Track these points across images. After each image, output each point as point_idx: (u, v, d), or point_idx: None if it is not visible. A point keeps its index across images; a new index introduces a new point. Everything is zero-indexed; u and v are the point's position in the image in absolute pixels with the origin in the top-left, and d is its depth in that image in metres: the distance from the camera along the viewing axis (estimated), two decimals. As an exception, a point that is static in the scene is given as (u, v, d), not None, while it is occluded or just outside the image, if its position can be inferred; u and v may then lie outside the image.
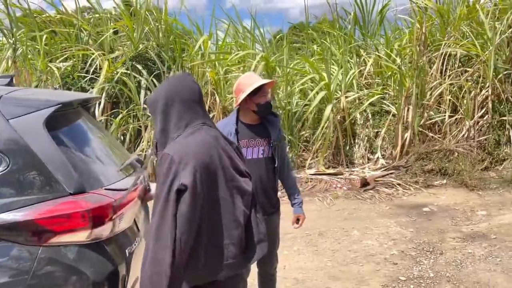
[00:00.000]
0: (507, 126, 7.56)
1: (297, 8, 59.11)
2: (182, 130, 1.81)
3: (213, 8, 22.33)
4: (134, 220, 2.29)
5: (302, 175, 7.42)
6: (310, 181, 7.20)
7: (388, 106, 8.28)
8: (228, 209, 1.80)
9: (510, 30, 7.88)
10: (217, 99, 7.95)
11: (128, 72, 7.70)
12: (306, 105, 8.36)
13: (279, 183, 2.91)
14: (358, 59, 9.36)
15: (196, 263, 1.72)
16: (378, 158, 7.86)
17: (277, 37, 11.23)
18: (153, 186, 2.42)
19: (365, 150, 8.05)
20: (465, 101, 7.72)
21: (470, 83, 7.73)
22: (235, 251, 1.80)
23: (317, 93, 7.84)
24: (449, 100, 7.80)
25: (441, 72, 8.24)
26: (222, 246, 1.78)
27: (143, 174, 2.44)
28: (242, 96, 2.63)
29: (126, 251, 2.06)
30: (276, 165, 2.77)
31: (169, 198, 1.67)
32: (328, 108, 7.63)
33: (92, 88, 7.68)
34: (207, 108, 8.16)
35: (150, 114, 1.96)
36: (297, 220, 2.88)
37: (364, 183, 6.81)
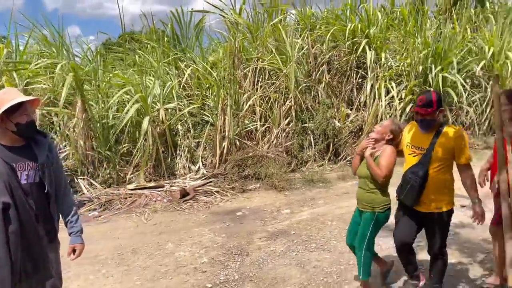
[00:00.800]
0: (308, 131, 8.57)
1: (128, 16, 57.26)
2: None
3: (11, 11, 18.81)
4: None
5: (121, 191, 7.08)
6: (130, 197, 6.91)
7: (208, 116, 8.56)
8: None
9: (306, 48, 8.97)
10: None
11: None
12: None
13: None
14: (177, 71, 9.45)
15: None
16: (199, 168, 8.02)
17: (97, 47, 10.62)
18: None
19: (187, 160, 8.13)
20: (274, 110, 8.49)
21: (276, 95, 8.53)
22: None
23: (132, 106, 7.60)
24: (260, 110, 8.47)
25: (253, 84, 8.90)
26: None
27: None
28: None
29: None
30: (46, 191, 2.49)
31: None
32: (146, 120, 7.47)
33: None
34: None
35: None
36: (74, 251, 2.66)
37: (184, 194, 6.84)
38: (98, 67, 8.17)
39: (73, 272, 4.37)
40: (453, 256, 4.20)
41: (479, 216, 3.03)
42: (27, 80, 7.58)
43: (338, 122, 9.02)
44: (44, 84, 8.16)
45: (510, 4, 12.65)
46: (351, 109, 9.68)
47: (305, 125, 8.58)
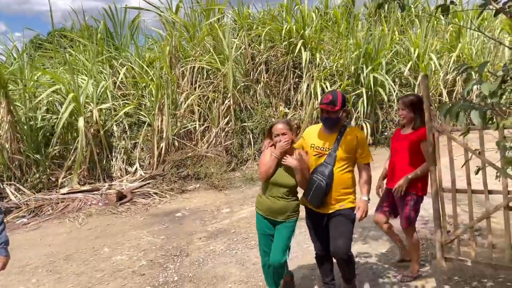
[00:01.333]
0: (248, 130, 8.66)
1: (58, 12, 54.21)
2: None
3: None
4: None
5: (53, 196, 6.73)
6: (62, 202, 6.59)
7: (145, 116, 8.37)
8: None
9: (243, 47, 9.05)
10: None
11: None
12: (55, 119, 7.65)
13: None
14: (111, 70, 9.13)
15: None
16: (136, 169, 7.83)
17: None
18: None
19: (123, 162, 7.90)
20: (213, 110, 8.48)
21: (214, 94, 8.52)
22: None
23: (67, 106, 7.24)
24: (198, 109, 8.42)
25: (191, 84, 8.82)
26: None
27: None
28: None
29: None
30: None
31: None
32: (81, 120, 7.16)
33: None
34: None
35: None
36: None
37: (121, 197, 6.65)
38: (24, 66, 7.68)
39: (0, 284, 4.10)
40: (370, 254, 4.29)
41: (362, 211, 3.12)
42: None
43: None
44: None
45: (432, 8, 13.60)
46: (289, 108, 9.90)
47: (245, 124, 8.65)
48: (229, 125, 8.57)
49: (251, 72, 9.22)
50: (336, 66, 9.82)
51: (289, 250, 3.24)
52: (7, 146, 6.93)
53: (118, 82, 8.86)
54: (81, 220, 5.90)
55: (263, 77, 9.66)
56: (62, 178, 7.24)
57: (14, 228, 5.85)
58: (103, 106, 8.08)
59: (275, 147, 3.14)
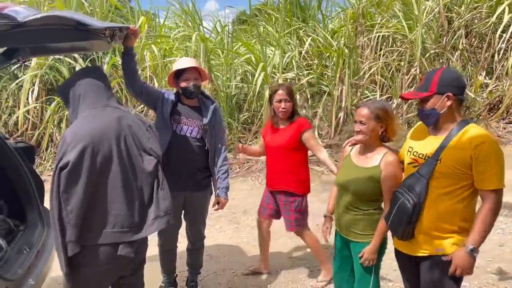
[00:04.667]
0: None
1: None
2: (87, 112, 2.00)
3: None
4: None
5: (240, 157, 7.58)
6: (248, 162, 7.38)
7: (326, 86, 8.51)
8: (118, 185, 1.96)
9: (437, 10, 8.19)
10: (156, 83, 7.94)
11: (61, 58, 7.56)
12: (247, 87, 8.50)
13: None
14: (298, 41, 9.50)
15: (87, 229, 1.91)
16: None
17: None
18: None
19: (303, 130, 8.25)
20: (396, 80, 8.04)
21: (397, 63, 8.04)
22: (122, 222, 1.96)
23: (258, 76, 7.94)
24: (380, 79, 8.10)
25: (375, 52, 8.51)
26: (109, 216, 1.94)
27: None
28: (168, 77, 2.96)
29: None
30: (206, 147, 2.92)
31: (54, 176, 1.84)
32: (267, 89, 7.77)
33: (24, 74, 7.51)
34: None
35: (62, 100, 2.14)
36: (218, 203, 3.08)
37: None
38: (224, 39, 8.64)
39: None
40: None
41: (455, 267, 1.99)
42: (165, 51, 8.43)
43: (471, 93, 8.13)
44: (180, 56, 8.99)
45: None
46: (490, 79, 8.62)
47: (431, 95, 7.94)
48: (463, 93, 7.97)
49: (445, 38, 8.31)
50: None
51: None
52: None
53: (303, 53, 9.18)
54: (261, 180, 6.52)
55: (462, 43, 8.59)
56: (249, 141, 8.04)
57: (209, 180, 6.86)
58: (288, 75, 8.54)
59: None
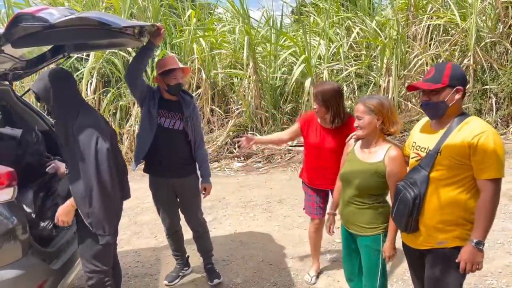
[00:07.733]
0: (490, 94, 7.53)
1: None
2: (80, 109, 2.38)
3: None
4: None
5: (283, 147, 7.69)
6: (289, 153, 7.47)
7: (374, 77, 8.35)
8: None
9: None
10: (204, 75, 8.22)
11: (116, 52, 8.05)
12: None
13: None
14: (347, 31, 9.37)
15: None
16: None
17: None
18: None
19: (348, 121, 8.17)
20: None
21: (447, 53, 7.69)
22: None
23: (298, 68, 7.97)
24: (429, 70, 7.80)
25: (425, 42, 8.21)
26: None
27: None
28: (155, 75, 3.16)
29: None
30: (189, 138, 3.17)
31: (98, 157, 2.23)
32: (308, 81, 7.79)
33: (84, 67, 8.09)
34: (195, 84, 8.49)
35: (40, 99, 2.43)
36: (204, 189, 3.30)
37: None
38: (271, 30, 8.72)
39: (228, 212, 5.14)
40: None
41: (464, 263, 1.99)
42: (212, 44, 8.68)
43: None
44: (227, 48, 9.20)
45: None
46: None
47: (486, 87, 7.55)
48: (466, 87, 7.63)
49: (501, 26, 7.82)
50: None
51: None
52: (252, 102, 8.21)
53: (351, 43, 9.05)
54: (300, 171, 6.58)
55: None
56: (293, 132, 8.11)
57: (251, 170, 7.05)
58: (334, 66, 8.47)
59: None
